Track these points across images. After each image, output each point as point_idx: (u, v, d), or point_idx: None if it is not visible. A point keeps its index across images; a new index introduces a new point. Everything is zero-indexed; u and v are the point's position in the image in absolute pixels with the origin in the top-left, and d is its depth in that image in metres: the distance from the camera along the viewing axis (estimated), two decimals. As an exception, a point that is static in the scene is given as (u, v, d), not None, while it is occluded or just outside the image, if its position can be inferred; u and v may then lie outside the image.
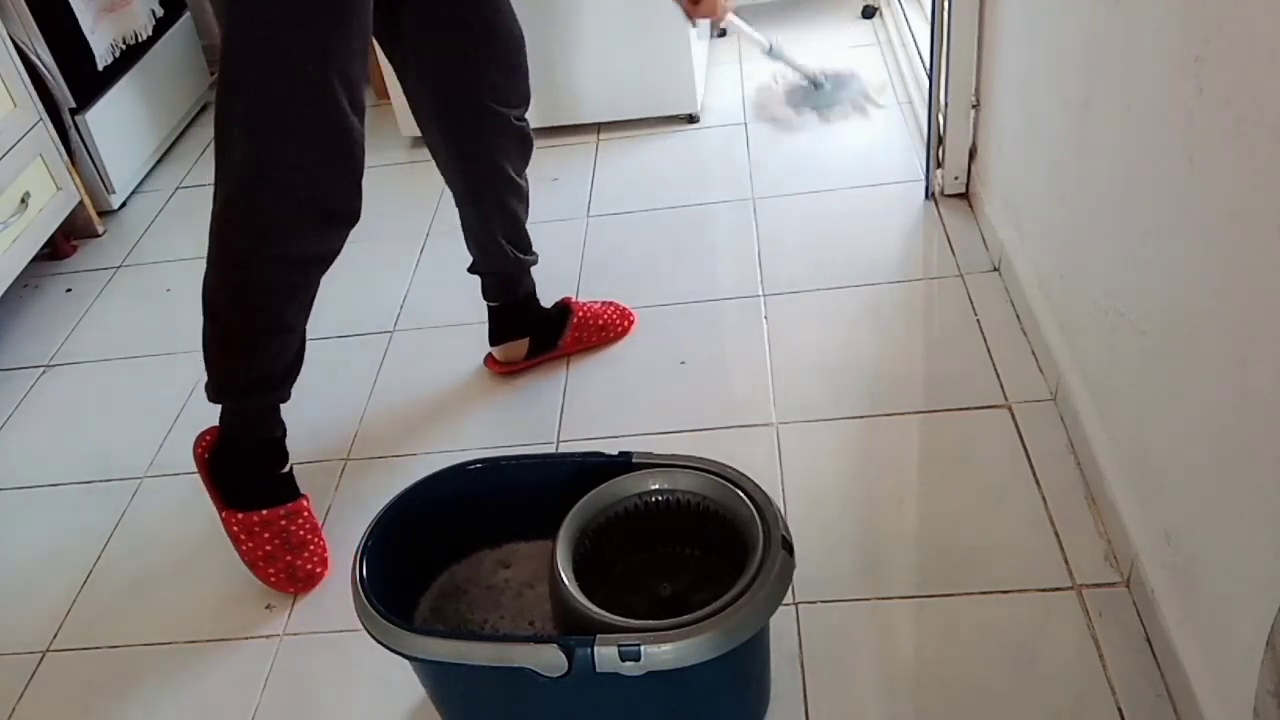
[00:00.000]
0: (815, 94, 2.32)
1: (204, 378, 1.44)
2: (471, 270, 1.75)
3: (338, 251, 1.39)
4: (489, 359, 1.84)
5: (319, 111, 1.26)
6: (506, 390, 1.82)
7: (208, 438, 1.47)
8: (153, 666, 1.44)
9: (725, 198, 2.25)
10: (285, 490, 1.50)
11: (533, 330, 1.80)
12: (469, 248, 1.73)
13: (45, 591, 1.57)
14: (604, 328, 1.86)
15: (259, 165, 1.29)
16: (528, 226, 1.74)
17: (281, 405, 1.48)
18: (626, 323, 1.89)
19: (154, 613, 1.52)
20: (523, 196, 1.68)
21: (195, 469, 1.48)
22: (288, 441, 1.51)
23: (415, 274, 2.15)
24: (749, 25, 2.08)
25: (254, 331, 1.40)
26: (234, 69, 1.26)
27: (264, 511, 1.47)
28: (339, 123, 1.28)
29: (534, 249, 1.76)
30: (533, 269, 1.78)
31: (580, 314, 1.84)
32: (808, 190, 2.22)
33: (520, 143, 1.61)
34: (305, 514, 1.51)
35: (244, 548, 1.47)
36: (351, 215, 1.36)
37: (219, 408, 1.46)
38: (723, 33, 2.96)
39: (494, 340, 1.81)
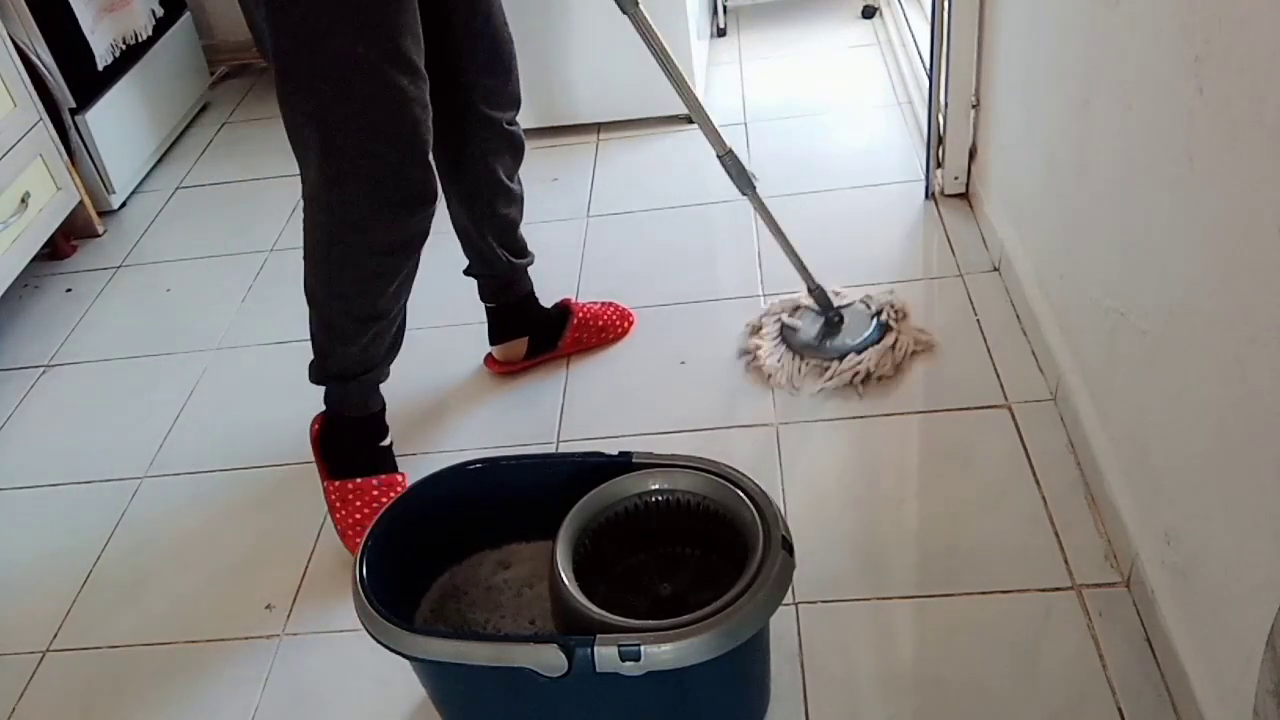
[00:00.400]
0: (829, 332, 1.79)
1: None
2: (468, 273, 1.75)
3: (424, 234, 1.42)
4: (489, 359, 1.84)
5: (377, 95, 1.28)
6: (506, 390, 1.82)
7: (319, 418, 1.57)
8: (153, 666, 1.44)
9: (725, 198, 2.25)
10: (383, 462, 1.57)
11: (532, 330, 1.80)
12: (464, 250, 1.73)
13: (45, 591, 1.57)
14: (604, 328, 1.86)
15: (331, 157, 1.31)
16: (525, 227, 1.74)
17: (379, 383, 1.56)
18: (626, 323, 1.89)
19: (154, 613, 1.52)
20: (515, 200, 1.68)
21: (310, 449, 1.57)
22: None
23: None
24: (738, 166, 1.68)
25: (349, 319, 1.45)
26: (288, 67, 1.27)
27: (359, 480, 1.54)
28: (400, 104, 1.29)
29: (530, 250, 1.76)
30: (532, 269, 1.78)
31: (580, 315, 1.84)
32: (808, 190, 2.22)
33: (512, 146, 1.62)
34: (399, 487, 1.56)
35: (338, 515, 1.53)
36: (428, 195, 1.37)
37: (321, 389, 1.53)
38: (722, 32, 2.96)
39: (493, 340, 1.81)
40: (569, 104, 2.53)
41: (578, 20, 2.41)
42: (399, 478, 1.58)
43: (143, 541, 1.64)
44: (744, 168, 1.66)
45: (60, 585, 1.58)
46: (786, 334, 1.80)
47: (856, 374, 1.69)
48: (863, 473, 1.55)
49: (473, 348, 1.87)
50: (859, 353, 1.71)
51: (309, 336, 1.50)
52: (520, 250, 1.74)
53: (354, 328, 1.45)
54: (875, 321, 1.78)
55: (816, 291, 1.76)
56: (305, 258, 1.43)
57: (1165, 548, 1.20)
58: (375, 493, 1.55)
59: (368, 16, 1.24)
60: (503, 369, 1.83)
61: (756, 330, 1.83)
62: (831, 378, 1.69)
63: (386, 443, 1.59)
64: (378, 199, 1.34)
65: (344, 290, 1.42)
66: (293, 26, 1.24)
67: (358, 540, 1.50)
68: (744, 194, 1.68)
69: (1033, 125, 1.63)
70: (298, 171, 1.38)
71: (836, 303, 1.80)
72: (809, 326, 1.80)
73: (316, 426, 1.57)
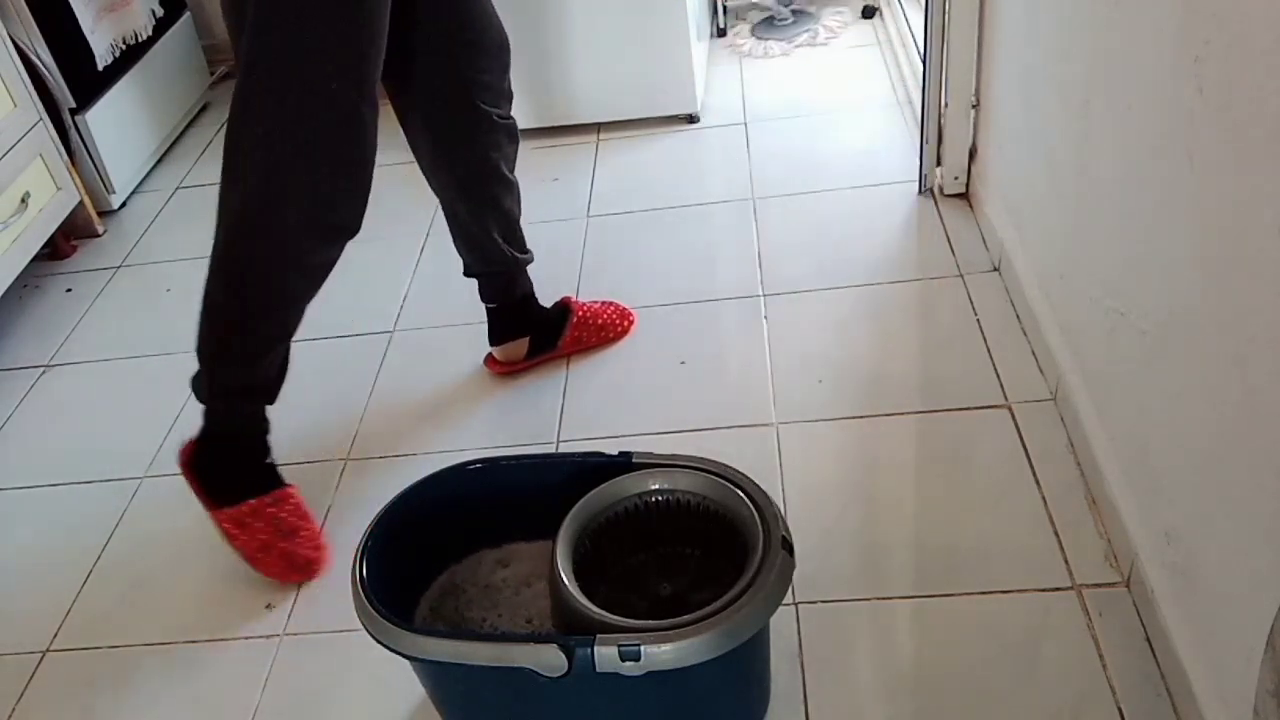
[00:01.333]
0: (779, 26, 2.80)
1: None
2: (467, 273, 1.75)
3: (336, 260, 1.41)
4: (489, 359, 1.84)
5: (341, 127, 1.28)
6: (506, 390, 1.82)
7: (189, 446, 1.48)
8: (153, 666, 1.44)
9: (725, 198, 2.25)
10: (270, 479, 1.51)
11: (532, 330, 1.80)
12: (460, 251, 1.73)
13: (45, 591, 1.57)
14: (603, 327, 1.86)
15: (274, 179, 1.30)
16: (525, 227, 1.74)
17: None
18: (626, 323, 1.89)
19: (154, 613, 1.52)
20: (515, 193, 1.69)
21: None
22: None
23: (415, 274, 2.15)
24: None
25: (258, 339, 1.42)
26: (253, 88, 1.26)
27: (251, 501, 1.47)
28: (359, 136, 1.30)
29: (529, 248, 1.76)
30: (532, 269, 1.78)
31: (580, 314, 1.84)
32: (808, 190, 2.22)
33: (509, 138, 1.62)
34: (293, 500, 1.51)
35: (238, 543, 1.48)
36: (357, 225, 1.38)
37: (202, 407, 1.46)
38: (722, 32, 2.96)
39: (493, 340, 1.81)
40: (569, 104, 2.53)
41: (578, 20, 2.41)
42: (291, 489, 1.51)
43: (143, 541, 1.64)
44: None
45: (60, 585, 1.58)
46: (755, 29, 2.83)
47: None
48: (863, 473, 1.55)
49: (473, 348, 1.87)
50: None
51: (196, 350, 1.42)
52: (522, 244, 1.74)
53: (260, 346, 1.42)
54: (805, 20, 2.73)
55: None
56: (215, 270, 1.37)
57: (1165, 548, 1.20)
58: (271, 510, 1.48)
59: (347, 51, 1.25)
60: (503, 369, 1.83)
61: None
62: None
63: (270, 460, 1.52)
64: (314, 224, 1.34)
65: (259, 309, 1.39)
66: (270, 50, 1.24)
67: (268, 562, 1.48)
68: None
69: (1033, 125, 1.63)
70: None
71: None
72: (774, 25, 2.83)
73: (188, 453, 1.47)
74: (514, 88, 1.62)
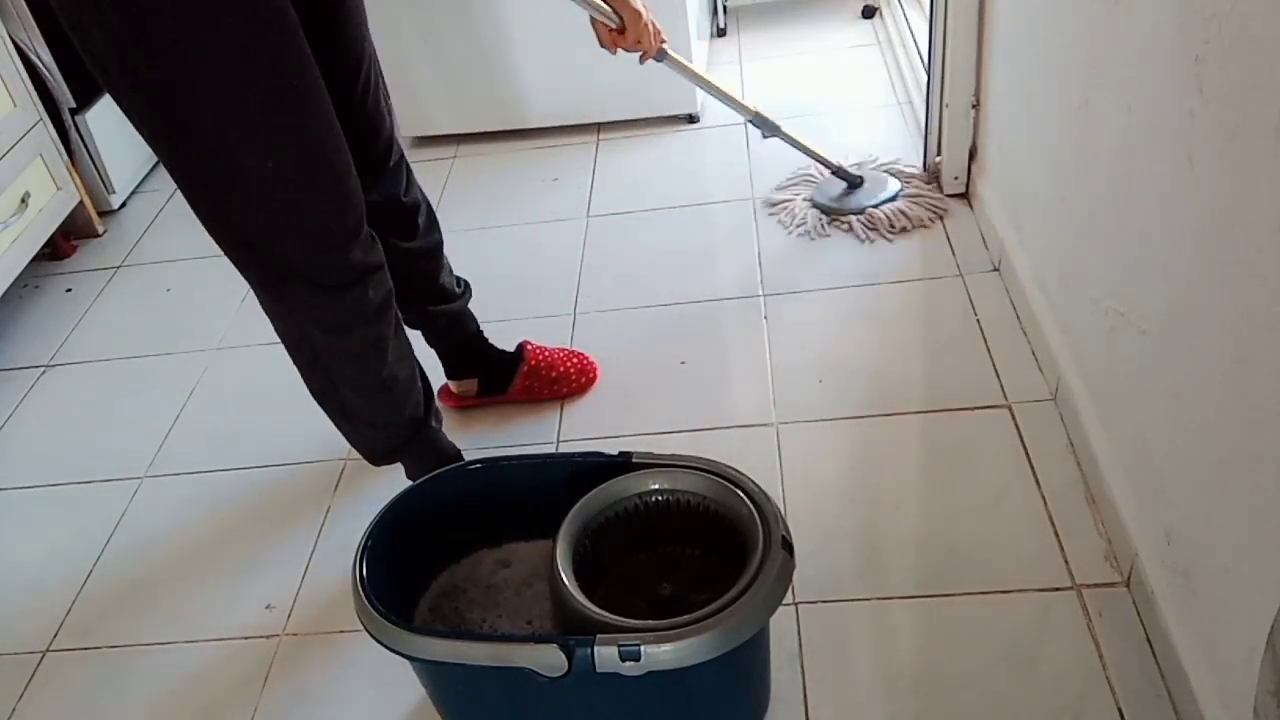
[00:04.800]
0: (848, 194, 2.08)
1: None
2: (407, 322, 1.53)
3: (387, 295, 1.34)
4: (443, 389, 1.78)
5: (312, 208, 1.21)
6: (506, 390, 1.82)
7: None
8: (153, 666, 1.44)
9: (725, 198, 2.25)
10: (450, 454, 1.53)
11: (480, 371, 1.74)
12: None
13: (45, 591, 1.57)
14: (557, 380, 1.76)
15: (269, 269, 1.26)
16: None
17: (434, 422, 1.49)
18: (584, 378, 1.77)
19: (154, 613, 1.52)
20: (428, 255, 1.57)
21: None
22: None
23: (415, 274, 2.15)
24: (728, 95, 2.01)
25: (365, 398, 1.38)
26: (198, 196, 1.20)
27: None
28: (339, 204, 1.23)
29: (460, 290, 1.66)
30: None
31: (533, 362, 1.74)
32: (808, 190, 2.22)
33: (410, 209, 1.51)
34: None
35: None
36: (372, 264, 1.29)
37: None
38: (722, 32, 2.96)
39: (447, 375, 1.75)
40: (569, 104, 2.53)
41: (578, 20, 2.41)
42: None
43: (143, 541, 1.64)
44: (767, 119, 2.01)
45: (60, 585, 1.58)
46: (813, 193, 2.14)
47: (870, 221, 2.02)
48: (863, 472, 1.55)
49: (473, 348, 1.87)
50: (875, 208, 2.04)
51: (345, 438, 1.46)
52: (442, 297, 1.63)
53: (374, 403, 1.39)
54: (893, 181, 2.09)
55: (838, 170, 2.06)
56: (294, 364, 1.38)
57: (1165, 548, 1.20)
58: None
59: (277, 129, 1.14)
60: (456, 403, 1.77)
61: (782, 192, 2.19)
62: (849, 227, 2.02)
63: (447, 449, 1.53)
64: (327, 289, 1.27)
65: (345, 375, 1.36)
66: (194, 151, 1.15)
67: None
68: (776, 135, 2.03)
69: (1033, 125, 1.63)
70: None
71: (857, 171, 2.10)
72: (831, 188, 2.13)
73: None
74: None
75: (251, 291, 1.30)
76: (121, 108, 1.13)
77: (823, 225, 2.05)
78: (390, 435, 1.44)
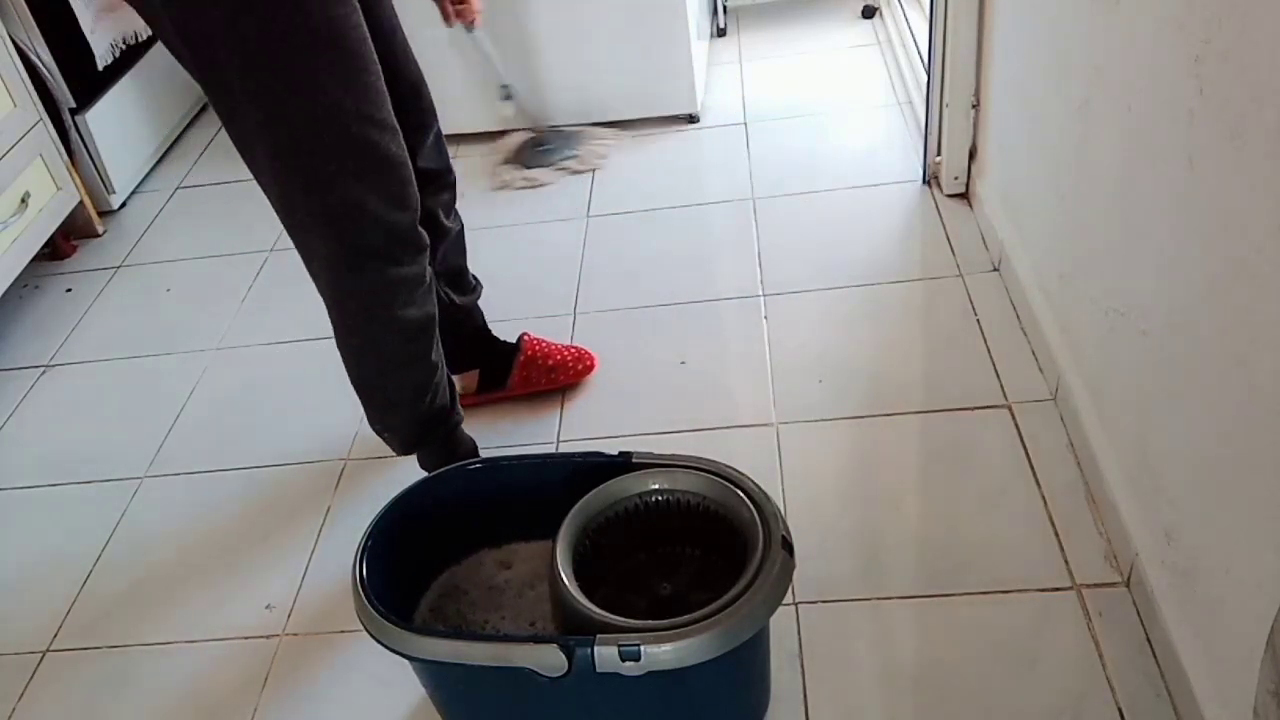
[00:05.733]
0: (544, 151, 2.46)
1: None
2: None
3: (433, 278, 1.39)
4: None
5: (386, 176, 1.25)
6: (506, 390, 1.82)
7: None
8: (153, 666, 1.44)
9: (725, 198, 2.25)
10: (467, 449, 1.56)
11: (482, 363, 1.75)
12: None
13: (45, 591, 1.57)
14: (553, 369, 1.77)
15: (346, 247, 1.28)
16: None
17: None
18: (581, 366, 1.79)
19: (154, 613, 1.52)
20: (453, 239, 1.61)
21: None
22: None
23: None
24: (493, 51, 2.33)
25: (412, 389, 1.41)
26: (294, 161, 1.23)
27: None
28: (401, 176, 1.27)
29: (475, 285, 1.71)
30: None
31: (529, 352, 1.76)
32: (808, 190, 2.22)
33: (445, 187, 1.56)
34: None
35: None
36: (427, 241, 1.34)
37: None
38: (722, 32, 2.96)
39: (449, 368, 1.77)
40: (569, 104, 2.53)
41: (578, 20, 2.41)
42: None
43: (143, 541, 1.64)
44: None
45: (60, 585, 1.58)
46: (526, 156, 2.47)
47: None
48: (863, 472, 1.55)
49: (473, 348, 1.87)
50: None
51: (376, 434, 1.47)
52: (465, 288, 1.68)
53: (416, 391, 1.42)
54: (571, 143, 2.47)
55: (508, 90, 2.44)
56: (347, 352, 1.39)
57: (1165, 548, 1.20)
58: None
59: (346, 88, 1.19)
60: None
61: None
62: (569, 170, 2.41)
63: (464, 442, 1.56)
64: (397, 263, 1.31)
65: (399, 358, 1.39)
66: (287, 118, 1.18)
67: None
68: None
69: (1033, 125, 1.63)
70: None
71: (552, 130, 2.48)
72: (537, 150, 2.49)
73: None
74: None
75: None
76: (223, 92, 1.18)
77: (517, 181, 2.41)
78: (425, 425, 1.46)
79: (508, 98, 2.37)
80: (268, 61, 1.15)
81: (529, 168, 2.42)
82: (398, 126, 1.27)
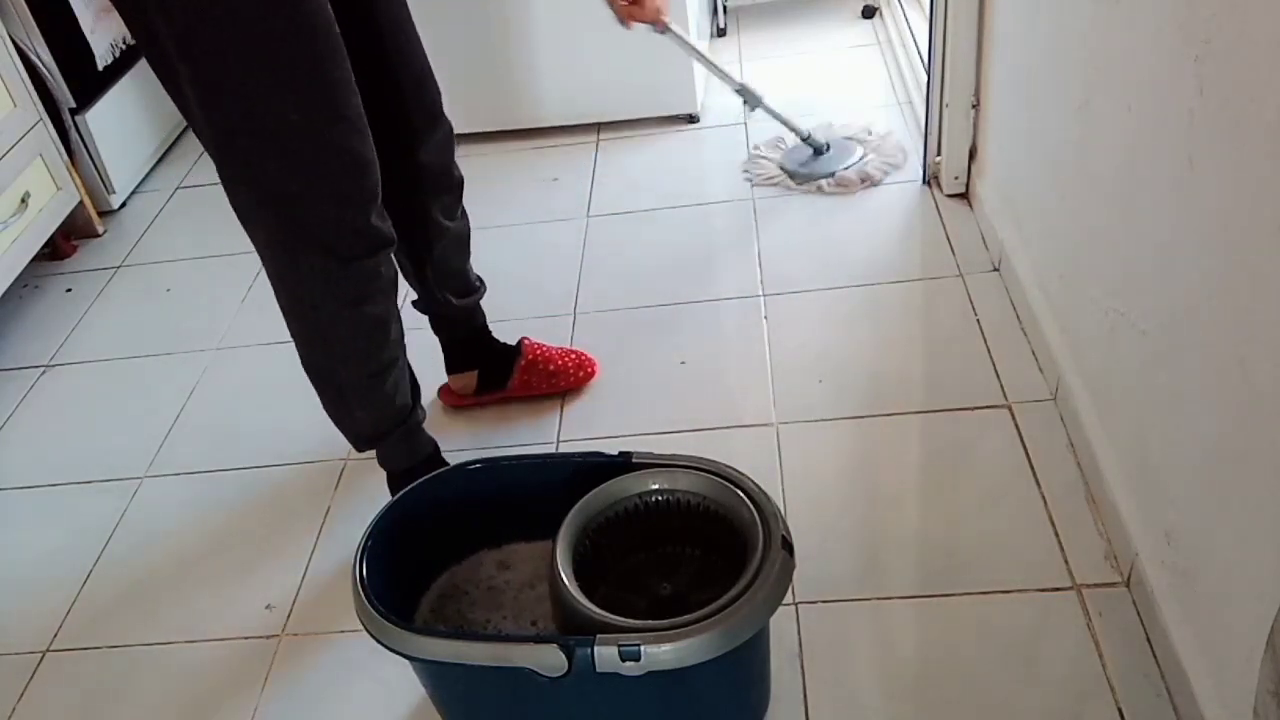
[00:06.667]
0: (815, 160, 2.26)
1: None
2: (415, 306, 1.68)
3: (395, 272, 1.38)
4: (443, 390, 1.78)
5: (329, 163, 1.24)
6: (506, 390, 1.82)
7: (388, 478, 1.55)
8: (153, 666, 1.44)
9: (725, 198, 2.25)
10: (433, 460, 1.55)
11: (483, 364, 1.74)
12: (411, 285, 1.63)
13: (45, 591, 1.57)
14: (554, 374, 1.75)
15: (288, 233, 1.28)
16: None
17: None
18: (582, 373, 1.77)
19: (154, 613, 1.52)
20: (455, 239, 1.60)
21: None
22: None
23: (415, 274, 2.15)
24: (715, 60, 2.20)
25: (363, 379, 1.40)
26: (226, 151, 1.23)
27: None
28: (354, 166, 1.25)
29: (478, 285, 1.69)
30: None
31: (530, 356, 1.74)
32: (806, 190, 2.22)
33: (449, 186, 1.55)
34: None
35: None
36: (388, 239, 1.32)
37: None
38: (722, 32, 2.96)
39: (448, 369, 1.76)
40: (569, 104, 2.53)
41: (578, 20, 2.41)
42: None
43: (143, 541, 1.64)
44: (752, 91, 2.22)
45: (60, 585, 1.58)
46: (783, 158, 2.32)
47: (822, 184, 2.21)
48: (863, 473, 1.55)
49: (473, 348, 1.87)
50: (844, 171, 2.22)
51: (331, 419, 1.46)
52: (465, 289, 1.66)
53: (370, 384, 1.40)
54: (857, 147, 2.27)
55: (808, 139, 2.24)
56: (294, 337, 1.39)
57: (1165, 548, 1.20)
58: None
59: (297, 81, 1.17)
60: (453, 401, 1.78)
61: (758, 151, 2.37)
62: (820, 189, 2.21)
63: (432, 453, 1.55)
64: (343, 259, 1.29)
65: (348, 352, 1.37)
66: (223, 104, 1.18)
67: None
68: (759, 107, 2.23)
69: (1033, 125, 1.63)
70: None
71: (825, 138, 2.28)
72: (800, 154, 2.30)
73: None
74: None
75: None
76: (157, 72, 1.20)
77: (790, 185, 2.25)
78: (379, 420, 1.45)
79: (746, 102, 2.23)
80: (201, 46, 1.15)
81: (793, 177, 2.24)
82: (362, 121, 1.24)
